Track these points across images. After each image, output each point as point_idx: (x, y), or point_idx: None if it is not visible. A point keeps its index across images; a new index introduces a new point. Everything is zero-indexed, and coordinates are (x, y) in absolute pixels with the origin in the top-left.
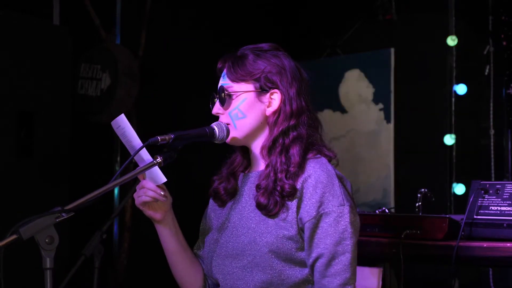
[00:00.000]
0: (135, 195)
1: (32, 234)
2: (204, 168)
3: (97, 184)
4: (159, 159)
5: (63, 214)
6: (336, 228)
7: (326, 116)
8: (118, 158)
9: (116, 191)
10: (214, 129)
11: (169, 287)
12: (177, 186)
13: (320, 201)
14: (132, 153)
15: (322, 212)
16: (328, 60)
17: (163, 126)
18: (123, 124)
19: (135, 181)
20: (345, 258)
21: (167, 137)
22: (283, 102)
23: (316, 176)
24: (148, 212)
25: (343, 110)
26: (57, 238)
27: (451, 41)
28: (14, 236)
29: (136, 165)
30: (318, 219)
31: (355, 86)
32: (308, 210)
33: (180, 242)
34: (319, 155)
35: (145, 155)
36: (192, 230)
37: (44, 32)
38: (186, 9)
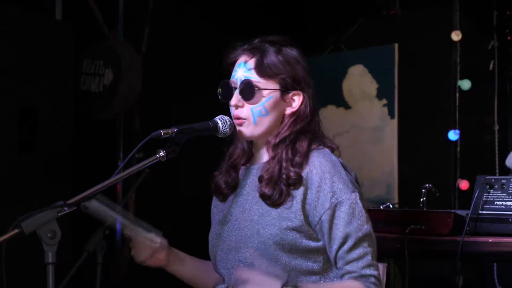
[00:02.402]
0: (133, 254)
1: (34, 229)
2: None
3: (100, 180)
4: (162, 153)
5: (65, 208)
6: (353, 215)
7: (330, 112)
8: (121, 154)
9: (119, 186)
10: (217, 123)
11: (172, 283)
12: (177, 190)
13: (331, 191)
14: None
15: (335, 201)
16: (332, 56)
17: (166, 122)
18: (92, 208)
19: (139, 174)
20: (365, 242)
21: (170, 131)
22: (303, 103)
23: (321, 166)
24: (153, 264)
25: (346, 106)
26: (59, 232)
27: (455, 36)
28: (15, 231)
29: (138, 160)
30: (333, 209)
31: (358, 82)
32: (322, 202)
33: (193, 265)
34: (321, 146)
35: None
36: (193, 236)
37: (46, 28)
38: (189, 5)
